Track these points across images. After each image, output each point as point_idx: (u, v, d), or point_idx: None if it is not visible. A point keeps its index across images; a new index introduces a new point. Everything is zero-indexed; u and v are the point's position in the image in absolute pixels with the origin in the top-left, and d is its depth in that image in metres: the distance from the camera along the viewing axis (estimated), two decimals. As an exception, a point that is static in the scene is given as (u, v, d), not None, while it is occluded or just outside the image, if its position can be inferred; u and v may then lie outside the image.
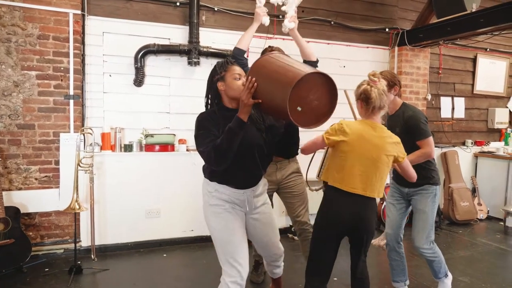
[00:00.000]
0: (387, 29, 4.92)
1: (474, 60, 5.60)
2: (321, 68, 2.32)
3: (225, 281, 2.03)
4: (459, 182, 5.13)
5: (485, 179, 5.32)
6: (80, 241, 3.60)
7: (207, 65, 4.02)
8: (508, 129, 5.90)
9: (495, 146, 5.65)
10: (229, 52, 4.05)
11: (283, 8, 2.94)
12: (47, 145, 3.50)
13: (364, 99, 2.10)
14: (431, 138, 2.60)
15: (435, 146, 4.43)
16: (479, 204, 5.17)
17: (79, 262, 3.28)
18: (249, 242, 2.21)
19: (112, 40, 3.77)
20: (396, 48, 4.90)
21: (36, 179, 3.49)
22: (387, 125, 2.66)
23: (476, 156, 5.50)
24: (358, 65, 4.70)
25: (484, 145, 5.63)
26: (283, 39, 4.16)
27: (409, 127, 2.58)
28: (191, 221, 3.96)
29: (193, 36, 3.92)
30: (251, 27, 2.85)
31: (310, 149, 2.23)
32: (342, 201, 2.10)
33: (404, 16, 5.06)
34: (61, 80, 3.51)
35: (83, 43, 3.60)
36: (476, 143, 5.62)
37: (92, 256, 3.45)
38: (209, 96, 2.12)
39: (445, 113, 5.45)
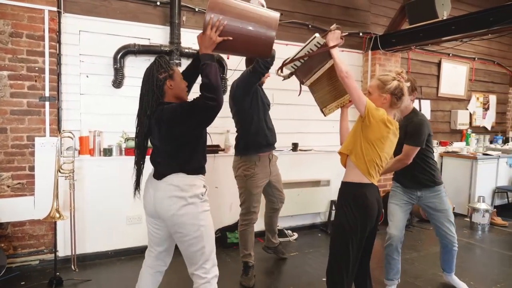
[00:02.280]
0: (360, 34, 5.08)
1: (438, 65, 5.93)
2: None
3: (215, 273, 2.11)
4: (428, 181, 5.38)
5: (450, 177, 5.63)
6: (57, 251, 3.40)
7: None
8: (469, 130, 6.29)
9: (458, 146, 6.00)
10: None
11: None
12: (21, 150, 3.28)
13: (399, 95, 2.14)
14: (415, 149, 2.74)
15: None
16: (446, 201, 5.46)
17: (58, 274, 3.10)
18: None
19: (89, 39, 3.60)
20: (370, 52, 5.07)
21: (8, 186, 3.25)
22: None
23: (441, 156, 5.81)
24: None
25: (448, 146, 5.96)
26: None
27: (410, 129, 2.73)
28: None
29: (175, 37, 3.83)
30: None
31: (350, 87, 2.05)
32: (372, 190, 2.13)
33: (376, 21, 5.25)
34: (36, 80, 3.30)
35: (59, 42, 3.41)
36: (440, 144, 5.93)
37: (73, 266, 3.27)
38: (154, 94, 2.00)
39: (413, 115, 5.72)
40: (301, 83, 2.43)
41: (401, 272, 3.43)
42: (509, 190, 5.76)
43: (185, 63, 3.93)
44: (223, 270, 3.18)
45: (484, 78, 6.55)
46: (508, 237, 4.65)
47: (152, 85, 2.01)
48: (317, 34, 2.25)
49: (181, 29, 3.90)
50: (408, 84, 2.26)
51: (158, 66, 2.03)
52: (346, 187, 2.19)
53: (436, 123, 6.03)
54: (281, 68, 2.41)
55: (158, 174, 2.08)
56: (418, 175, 2.85)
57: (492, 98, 6.68)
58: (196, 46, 3.95)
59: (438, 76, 5.95)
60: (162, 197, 2.04)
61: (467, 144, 6.12)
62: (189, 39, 3.96)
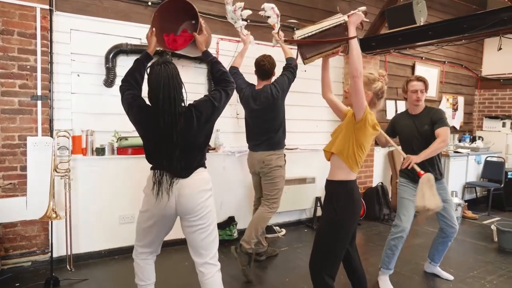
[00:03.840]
0: (342, 37, 5.28)
1: (412, 67, 6.24)
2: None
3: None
4: (405, 177, 5.68)
5: (424, 174, 5.95)
6: (49, 251, 3.35)
7: (178, 67, 3.95)
8: (440, 129, 6.65)
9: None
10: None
11: (269, 21, 3.75)
12: (12, 150, 3.22)
13: (380, 96, 2.27)
14: (448, 129, 3.02)
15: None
16: (421, 196, 5.77)
17: (53, 274, 3.07)
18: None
19: (80, 38, 3.57)
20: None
21: (-1, 187, 3.20)
22: (416, 123, 3.08)
23: (416, 153, 6.12)
24: (317, 70, 4.89)
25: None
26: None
27: (435, 118, 3.01)
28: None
29: (166, 37, 3.86)
30: (242, 50, 3.71)
31: (358, 89, 2.03)
32: (356, 186, 2.25)
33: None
34: (27, 79, 3.25)
35: (50, 40, 3.37)
36: (415, 142, 6.25)
37: (68, 266, 3.25)
38: (182, 92, 2.13)
39: (390, 115, 5.98)
40: (304, 59, 2.29)
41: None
42: (478, 185, 6.16)
43: (177, 63, 3.93)
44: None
45: (453, 80, 6.96)
46: (479, 229, 5.00)
47: (180, 84, 2.08)
48: (343, 15, 2.18)
49: (172, 29, 3.94)
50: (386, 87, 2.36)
51: (175, 67, 2.11)
52: (336, 185, 2.21)
53: (411, 122, 6.35)
54: (292, 41, 2.31)
55: (185, 172, 2.14)
56: (429, 168, 3.03)
57: (460, 99, 7.10)
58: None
59: (412, 78, 6.26)
60: (191, 193, 2.13)
61: (439, 142, 6.47)
62: (180, 39, 4.00)
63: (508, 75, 6.93)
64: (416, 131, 3.10)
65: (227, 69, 3.18)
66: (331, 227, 2.19)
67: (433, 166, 3.09)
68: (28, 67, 3.25)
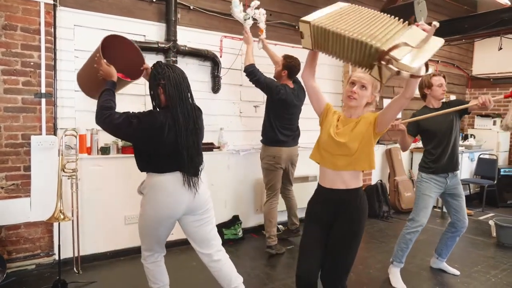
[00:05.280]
0: (342, 36, 5.31)
1: (408, 67, 6.33)
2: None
3: None
4: (402, 175, 5.76)
5: (420, 171, 6.04)
6: (54, 254, 3.28)
7: (183, 65, 3.94)
8: (434, 127, 6.77)
9: (425, 142, 6.45)
10: (206, 52, 4.04)
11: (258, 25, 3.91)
12: (15, 149, 3.11)
13: (377, 99, 2.15)
14: None
15: (381, 144, 5.15)
16: (417, 193, 5.86)
17: (58, 278, 2.98)
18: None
19: (84, 34, 3.48)
20: (351, 53, 5.31)
21: (2, 187, 3.08)
22: (438, 119, 3.11)
23: (411, 151, 6.22)
24: (317, 68, 4.99)
25: (417, 142, 6.38)
26: (254, 41, 4.23)
27: (457, 102, 3.26)
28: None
29: (171, 34, 3.81)
30: (248, 49, 3.78)
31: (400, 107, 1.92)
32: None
33: (355, 25, 5.51)
34: (31, 76, 3.15)
35: (54, 36, 3.27)
36: (411, 140, 6.34)
37: (75, 269, 3.17)
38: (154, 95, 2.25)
39: (387, 113, 6.07)
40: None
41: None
42: (471, 182, 6.29)
43: (181, 61, 3.92)
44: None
45: (446, 79, 7.08)
46: (475, 224, 5.11)
47: (189, 86, 2.30)
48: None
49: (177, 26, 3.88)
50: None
51: (157, 74, 2.24)
52: (360, 193, 2.07)
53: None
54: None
55: (195, 171, 2.25)
56: (454, 156, 3.17)
57: (453, 98, 7.23)
58: (191, 44, 3.98)
59: (407, 77, 6.35)
60: (204, 189, 2.34)
61: (433, 140, 6.59)
62: (184, 36, 3.95)
63: (498, 75, 7.10)
64: (448, 122, 3.15)
65: (245, 67, 3.64)
66: (358, 240, 2.06)
67: (457, 154, 3.22)
68: (32, 63, 3.14)
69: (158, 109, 2.25)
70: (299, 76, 3.49)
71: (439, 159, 3.13)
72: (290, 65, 3.72)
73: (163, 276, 2.48)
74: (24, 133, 3.14)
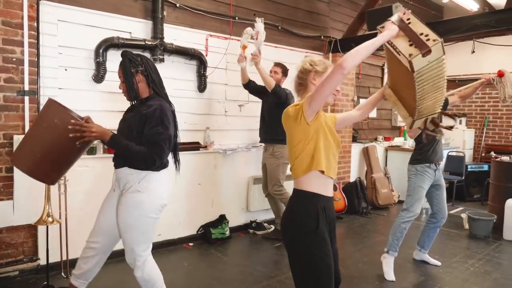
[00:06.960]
0: (322, 37, 5.43)
1: (382, 68, 6.57)
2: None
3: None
4: (379, 173, 5.97)
5: (394, 168, 6.28)
6: (38, 258, 3.14)
7: (169, 63, 3.90)
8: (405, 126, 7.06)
9: (398, 141, 6.72)
10: (192, 50, 4.00)
11: (245, 40, 3.95)
12: (-3, 150, 2.96)
13: None
14: None
15: (358, 142, 5.35)
16: (392, 190, 6.10)
17: (45, 283, 2.86)
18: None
19: (67, 30, 3.35)
20: (330, 54, 5.45)
21: (-18, 190, 2.91)
22: None
23: (386, 149, 6.45)
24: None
25: (391, 141, 6.64)
26: (238, 40, 4.24)
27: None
28: (158, 225, 3.76)
29: (158, 32, 3.74)
30: (261, 71, 3.94)
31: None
32: None
33: (334, 26, 5.66)
34: (13, 73, 2.99)
35: (37, 31, 3.13)
36: (385, 139, 6.59)
37: (63, 273, 3.05)
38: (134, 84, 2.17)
39: (363, 113, 6.26)
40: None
41: (377, 253, 3.84)
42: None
43: (167, 59, 3.86)
44: (211, 262, 3.28)
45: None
46: (448, 218, 5.35)
47: (130, 77, 2.25)
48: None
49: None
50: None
51: (133, 61, 2.21)
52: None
53: (381, 120, 6.68)
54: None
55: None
56: (439, 148, 3.48)
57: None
58: (177, 42, 3.93)
59: (382, 78, 6.59)
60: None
61: (405, 139, 6.88)
62: (170, 34, 3.89)
63: (463, 77, 7.50)
64: None
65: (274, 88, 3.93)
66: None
67: (441, 148, 3.51)
68: (14, 59, 2.99)
69: (135, 102, 2.21)
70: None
71: (433, 151, 3.42)
72: (287, 71, 4.19)
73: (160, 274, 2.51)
74: (6, 133, 2.98)
